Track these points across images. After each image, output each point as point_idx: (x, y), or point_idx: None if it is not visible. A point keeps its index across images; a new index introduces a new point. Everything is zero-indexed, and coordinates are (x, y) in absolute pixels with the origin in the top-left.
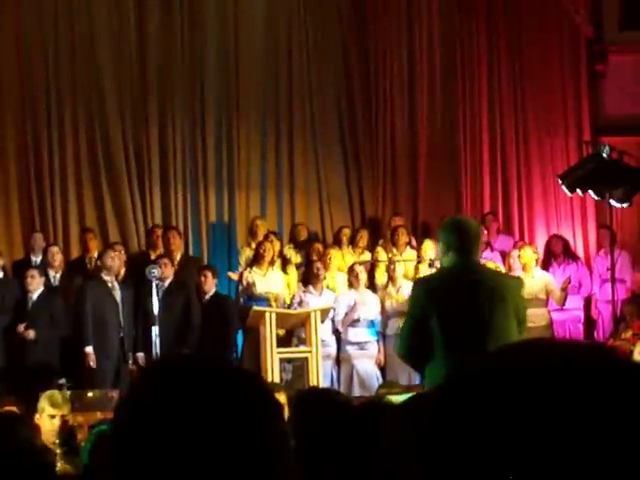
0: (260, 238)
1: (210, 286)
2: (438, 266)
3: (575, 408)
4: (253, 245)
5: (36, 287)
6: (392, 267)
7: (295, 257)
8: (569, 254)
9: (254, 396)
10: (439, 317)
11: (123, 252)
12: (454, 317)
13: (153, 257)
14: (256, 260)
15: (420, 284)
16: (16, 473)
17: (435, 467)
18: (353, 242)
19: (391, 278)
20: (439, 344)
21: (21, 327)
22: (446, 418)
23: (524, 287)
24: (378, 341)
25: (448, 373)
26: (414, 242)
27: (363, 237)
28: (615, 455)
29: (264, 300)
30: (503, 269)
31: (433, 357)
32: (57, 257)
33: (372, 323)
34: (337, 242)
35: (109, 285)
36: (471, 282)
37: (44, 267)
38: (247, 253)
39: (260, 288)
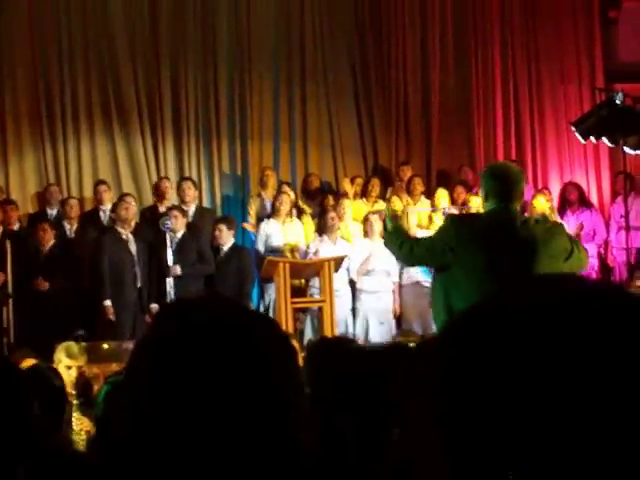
0: (270, 188)
1: (226, 239)
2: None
3: (591, 344)
4: (263, 194)
5: (49, 240)
6: (405, 217)
7: (307, 208)
8: (583, 202)
9: (268, 339)
10: (468, 255)
11: (134, 203)
12: (485, 258)
13: (162, 209)
14: (273, 212)
15: (452, 218)
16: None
17: (453, 407)
18: (365, 192)
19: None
20: (466, 283)
21: (40, 280)
22: (461, 356)
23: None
24: (393, 291)
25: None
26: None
27: (375, 186)
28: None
29: (282, 251)
30: None
31: (455, 294)
32: (75, 209)
33: (387, 273)
34: (345, 194)
35: (124, 237)
36: (505, 227)
37: (59, 220)
38: (256, 203)
39: (278, 239)
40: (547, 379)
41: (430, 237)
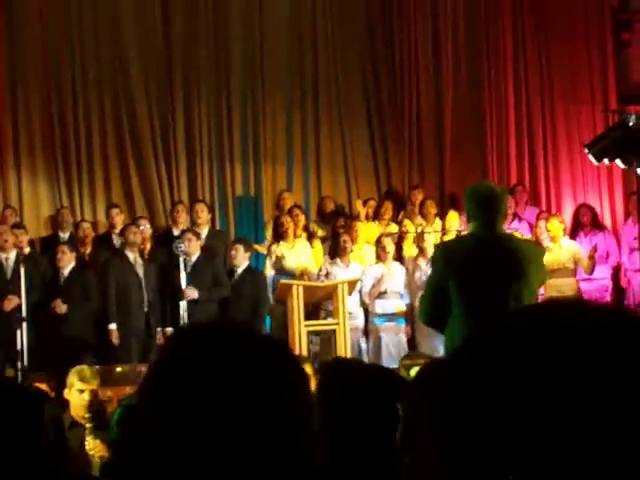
0: (287, 211)
1: (241, 260)
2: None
3: (595, 368)
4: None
5: (67, 263)
6: (422, 239)
7: (321, 231)
8: (596, 224)
9: (281, 364)
10: (457, 280)
11: (148, 227)
12: (472, 280)
13: (176, 233)
14: (279, 235)
15: (438, 248)
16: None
17: (459, 434)
18: (377, 214)
19: (421, 249)
20: (457, 307)
21: (58, 303)
22: (465, 384)
23: (544, 255)
24: (406, 312)
25: (464, 336)
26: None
27: (388, 209)
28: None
29: (293, 273)
30: None
31: (451, 320)
32: (88, 233)
33: (400, 295)
34: (357, 216)
35: (132, 261)
36: (490, 247)
37: (73, 243)
38: (272, 226)
39: (288, 261)
40: (551, 405)
41: (428, 281)
